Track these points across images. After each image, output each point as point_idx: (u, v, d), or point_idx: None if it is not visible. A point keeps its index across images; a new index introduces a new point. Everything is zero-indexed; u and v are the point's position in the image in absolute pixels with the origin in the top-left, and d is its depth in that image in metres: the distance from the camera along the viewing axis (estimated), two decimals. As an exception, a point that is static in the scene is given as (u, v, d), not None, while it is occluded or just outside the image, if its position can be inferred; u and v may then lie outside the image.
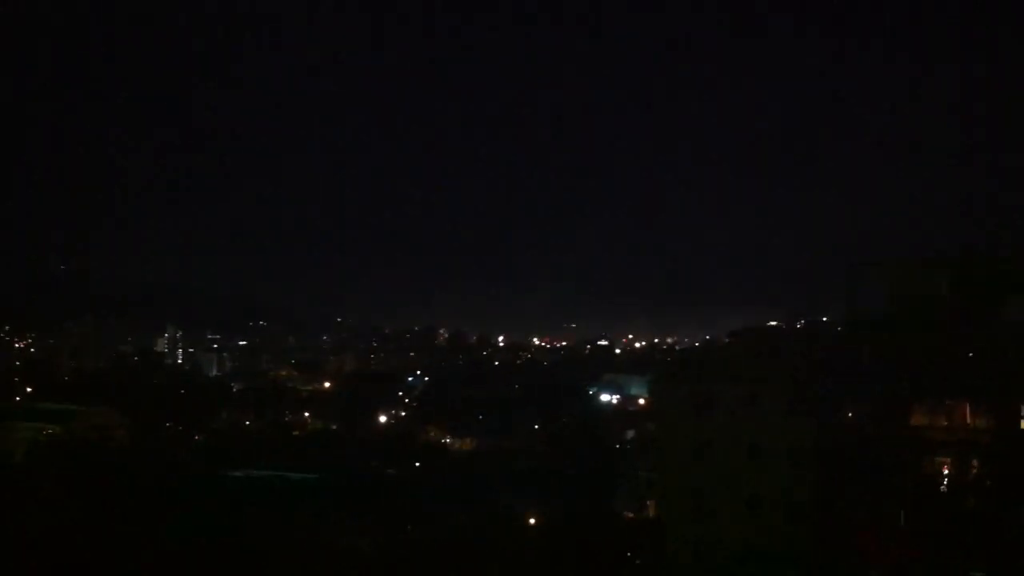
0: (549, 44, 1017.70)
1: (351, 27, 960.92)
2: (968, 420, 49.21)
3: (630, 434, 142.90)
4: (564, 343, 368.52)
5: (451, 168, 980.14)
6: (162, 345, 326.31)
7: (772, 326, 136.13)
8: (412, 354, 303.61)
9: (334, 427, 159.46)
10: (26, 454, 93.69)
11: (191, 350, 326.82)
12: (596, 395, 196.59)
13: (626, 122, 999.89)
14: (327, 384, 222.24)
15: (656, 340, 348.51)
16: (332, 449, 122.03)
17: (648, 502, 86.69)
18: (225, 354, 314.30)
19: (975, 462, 48.26)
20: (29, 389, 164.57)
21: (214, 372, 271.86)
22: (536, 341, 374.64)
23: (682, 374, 66.34)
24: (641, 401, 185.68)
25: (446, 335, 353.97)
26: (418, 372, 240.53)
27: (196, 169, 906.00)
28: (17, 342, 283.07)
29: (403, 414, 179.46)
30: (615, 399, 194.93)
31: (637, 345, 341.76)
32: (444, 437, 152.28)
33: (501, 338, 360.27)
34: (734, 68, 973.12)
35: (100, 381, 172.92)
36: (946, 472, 49.16)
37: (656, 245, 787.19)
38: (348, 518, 70.04)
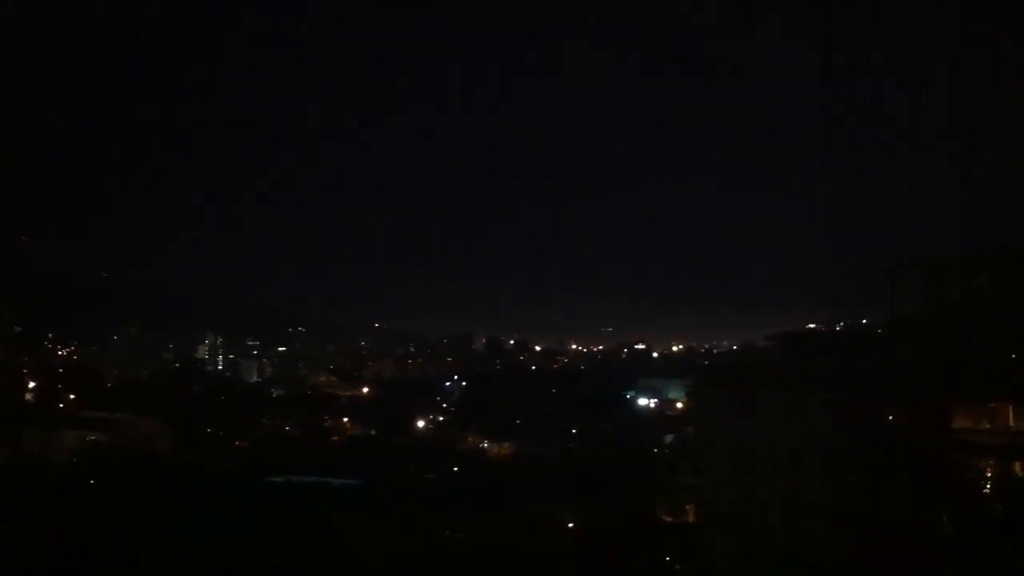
0: (571, 44, 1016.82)
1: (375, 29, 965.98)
2: (1011, 423, 48.59)
3: (668, 438, 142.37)
4: (601, 347, 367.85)
5: (487, 173, 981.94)
6: (203, 352, 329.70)
7: (811, 329, 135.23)
8: (449, 359, 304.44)
9: (373, 433, 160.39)
10: (70, 462, 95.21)
11: (231, 357, 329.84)
12: (634, 399, 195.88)
13: (667, 128, 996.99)
14: (365, 390, 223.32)
15: (694, 344, 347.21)
16: (371, 455, 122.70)
17: (688, 507, 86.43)
18: (265, 360, 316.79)
19: (1020, 466, 47.68)
20: (72, 397, 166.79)
21: (254, 379, 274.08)
22: (573, 346, 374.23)
23: (721, 378, 66.00)
24: (679, 405, 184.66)
25: (483, 340, 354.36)
26: (455, 377, 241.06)
27: (235, 179, 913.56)
28: (61, 351, 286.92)
29: (441, 419, 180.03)
30: (653, 403, 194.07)
31: (675, 349, 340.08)
32: (482, 442, 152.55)
33: (537, 343, 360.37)
34: (769, 67, 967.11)
35: (142, 389, 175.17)
36: (989, 475, 48.58)
37: (693, 249, 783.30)
38: (388, 523, 70.48)
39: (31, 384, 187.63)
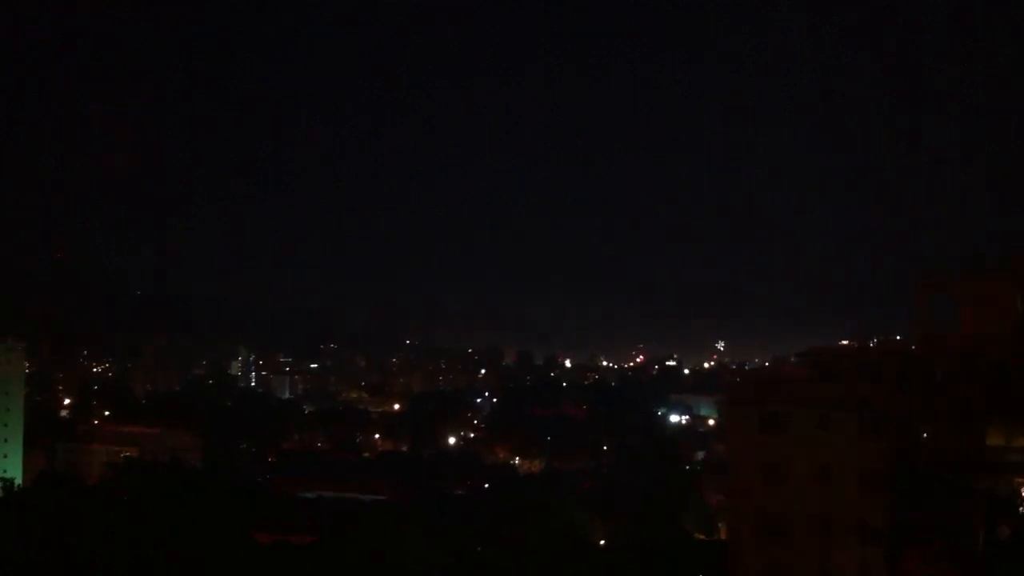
0: (621, 53, 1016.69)
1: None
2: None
3: (699, 455, 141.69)
4: (632, 363, 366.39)
5: (520, 190, 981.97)
6: (236, 368, 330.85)
7: (842, 345, 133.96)
8: (480, 374, 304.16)
9: (403, 448, 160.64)
10: (103, 476, 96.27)
11: (264, 373, 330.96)
12: (665, 416, 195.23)
13: (693, 148, 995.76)
14: (396, 406, 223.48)
15: (724, 360, 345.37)
16: (402, 471, 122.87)
17: (719, 524, 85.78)
18: (296, 377, 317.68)
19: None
20: (106, 412, 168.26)
21: (286, 395, 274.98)
22: (604, 362, 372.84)
23: (752, 395, 65.32)
24: (711, 422, 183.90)
25: (514, 355, 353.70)
26: (486, 393, 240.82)
27: (268, 191, 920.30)
28: (95, 367, 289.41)
29: (471, 435, 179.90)
30: (683, 419, 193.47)
31: (705, 365, 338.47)
32: (512, 458, 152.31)
33: (568, 359, 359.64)
34: (794, 84, 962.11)
35: (175, 403, 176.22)
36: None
37: (724, 266, 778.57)
38: (418, 539, 70.47)
39: (66, 401, 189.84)
